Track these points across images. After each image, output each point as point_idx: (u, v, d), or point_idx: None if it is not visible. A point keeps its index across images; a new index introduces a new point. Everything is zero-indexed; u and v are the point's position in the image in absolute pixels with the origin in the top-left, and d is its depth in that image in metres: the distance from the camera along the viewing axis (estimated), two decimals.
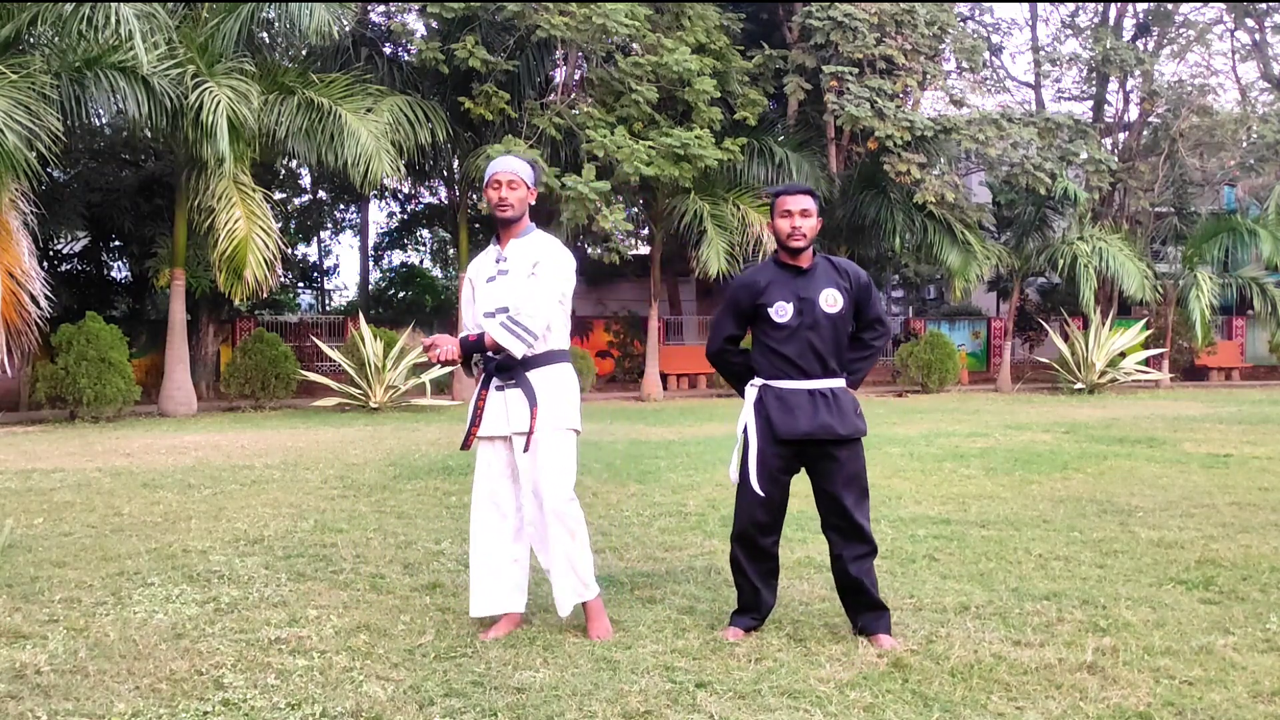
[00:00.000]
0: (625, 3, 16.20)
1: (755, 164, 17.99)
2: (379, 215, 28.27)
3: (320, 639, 3.86)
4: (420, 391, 16.12)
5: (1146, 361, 20.34)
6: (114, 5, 11.74)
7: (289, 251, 21.22)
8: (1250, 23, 24.59)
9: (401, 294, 28.35)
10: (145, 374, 16.64)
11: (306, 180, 23.63)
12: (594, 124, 16.14)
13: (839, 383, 3.93)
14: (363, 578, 4.80)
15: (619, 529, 5.90)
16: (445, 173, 19.69)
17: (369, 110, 14.60)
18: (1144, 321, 20.54)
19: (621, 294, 23.71)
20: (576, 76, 18.35)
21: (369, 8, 18.22)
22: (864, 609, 3.89)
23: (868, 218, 18.91)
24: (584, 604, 3.94)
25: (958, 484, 7.70)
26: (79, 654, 3.68)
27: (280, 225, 16.55)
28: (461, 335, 4.08)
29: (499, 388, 3.97)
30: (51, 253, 19.20)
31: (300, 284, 29.04)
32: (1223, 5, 24.08)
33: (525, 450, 3.91)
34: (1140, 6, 23.16)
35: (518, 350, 3.87)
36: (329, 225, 28.27)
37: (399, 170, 15.31)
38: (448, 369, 17.12)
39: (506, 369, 3.94)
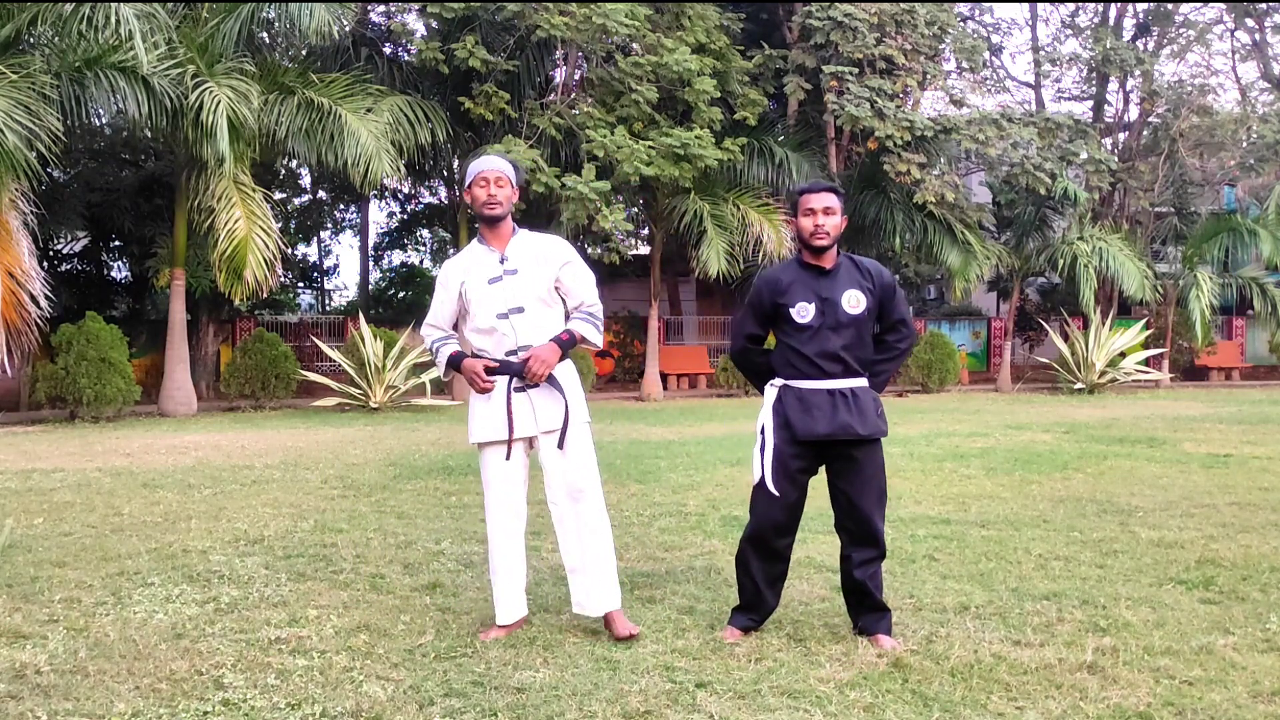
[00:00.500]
0: (625, 3, 16.21)
1: (755, 164, 17.99)
2: (379, 215, 28.31)
3: (320, 639, 3.86)
4: (420, 391, 16.12)
5: (1146, 361, 20.34)
6: (114, 5, 11.74)
7: (289, 251, 21.21)
8: (1250, 23, 24.60)
9: (401, 294, 28.36)
10: (145, 374, 16.64)
11: (306, 180, 23.64)
12: (594, 124, 16.15)
13: (861, 382, 3.86)
14: (363, 578, 4.80)
15: (619, 529, 5.88)
16: (445, 173, 19.70)
17: (369, 110, 14.60)
18: (1144, 321, 20.54)
19: (621, 294, 23.70)
20: (576, 76, 18.35)
21: (369, 8, 18.22)
22: (866, 610, 3.88)
23: (868, 218, 18.92)
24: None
25: (958, 484, 7.70)
26: (79, 654, 3.68)
27: (280, 225, 16.55)
28: (461, 354, 4.04)
29: (519, 389, 3.93)
30: (51, 253, 19.20)
31: (300, 284, 29.05)
32: (1223, 5, 24.09)
33: (560, 446, 3.90)
34: (1140, 6, 23.18)
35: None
36: (329, 225, 28.28)
37: (399, 170, 15.32)
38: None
39: (517, 367, 3.91)
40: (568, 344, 3.97)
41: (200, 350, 18.31)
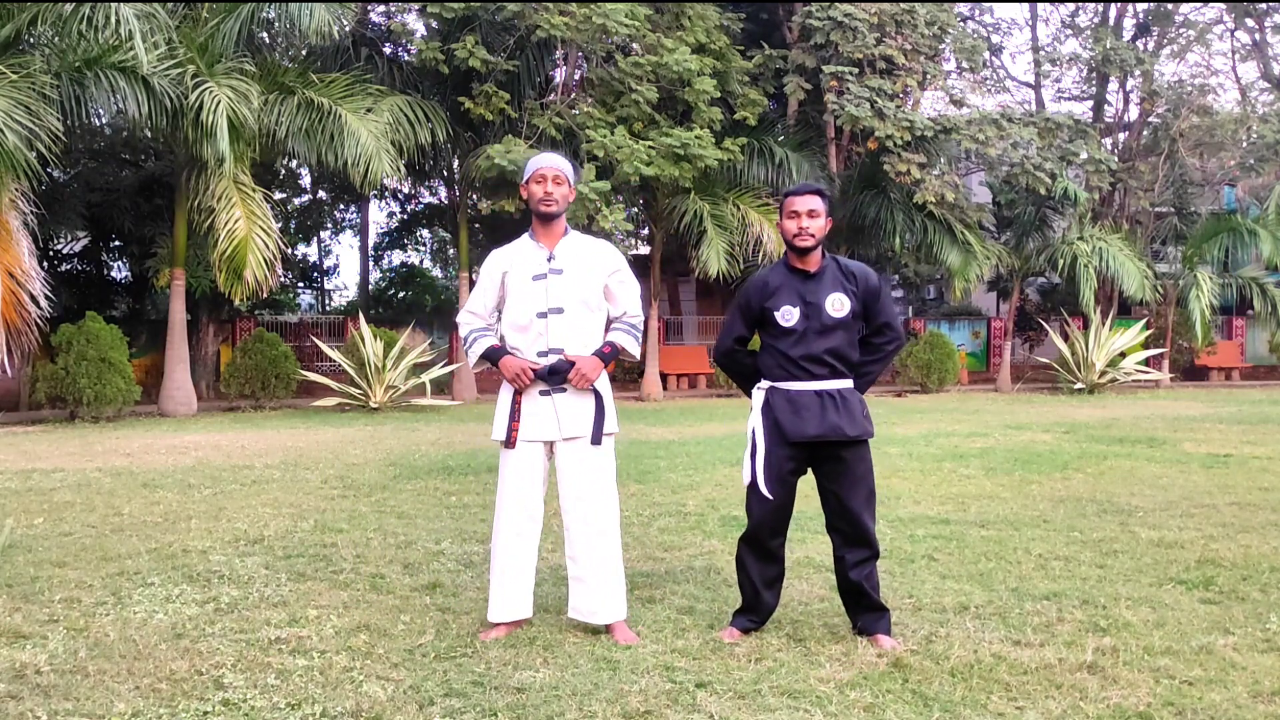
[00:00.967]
0: (625, 3, 16.21)
1: (755, 164, 17.99)
2: (379, 215, 28.33)
3: (320, 639, 3.85)
4: (420, 391, 16.12)
5: (1146, 361, 20.33)
6: (114, 5, 11.74)
7: (289, 251, 21.23)
8: (1250, 23, 24.60)
9: (401, 294, 28.37)
10: (145, 374, 16.64)
11: (306, 180, 23.64)
12: (594, 124, 16.15)
13: (847, 383, 3.88)
14: (363, 578, 4.80)
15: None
16: (445, 173, 19.69)
17: (369, 110, 14.60)
18: (1144, 321, 20.54)
19: None
20: (576, 76, 18.35)
21: (369, 8, 18.22)
22: (864, 610, 3.88)
23: (868, 218, 18.92)
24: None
25: (957, 484, 7.70)
26: (79, 654, 3.68)
27: (280, 225, 16.55)
28: (500, 349, 4.02)
29: (544, 392, 3.92)
30: (51, 253, 19.20)
31: (300, 284, 29.06)
32: (1223, 5, 24.08)
33: (594, 442, 3.90)
34: (1140, 6, 23.18)
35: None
36: (329, 225, 28.29)
37: (399, 170, 15.32)
38: (448, 369, 17.13)
39: (558, 372, 3.89)
40: (609, 356, 3.99)
41: (200, 350, 18.31)
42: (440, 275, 30.05)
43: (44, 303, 12.06)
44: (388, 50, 18.09)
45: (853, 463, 3.85)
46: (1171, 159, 21.57)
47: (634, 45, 17.25)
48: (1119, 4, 23.38)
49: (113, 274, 21.96)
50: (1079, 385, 19.32)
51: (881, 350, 3.97)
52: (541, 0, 16.01)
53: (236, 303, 17.16)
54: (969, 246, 18.74)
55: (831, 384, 3.85)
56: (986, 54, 22.13)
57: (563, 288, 3.92)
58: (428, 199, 25.41)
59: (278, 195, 20.02)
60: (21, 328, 11.84)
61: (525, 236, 4.07)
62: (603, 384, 4.00)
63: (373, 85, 15.25)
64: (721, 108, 17.32)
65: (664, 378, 19.45)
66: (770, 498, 3.84)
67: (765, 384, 3.93)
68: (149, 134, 15.33)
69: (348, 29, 16.34)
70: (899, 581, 4.68)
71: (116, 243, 20.57)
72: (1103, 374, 19.42)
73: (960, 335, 24.44)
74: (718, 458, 9.27)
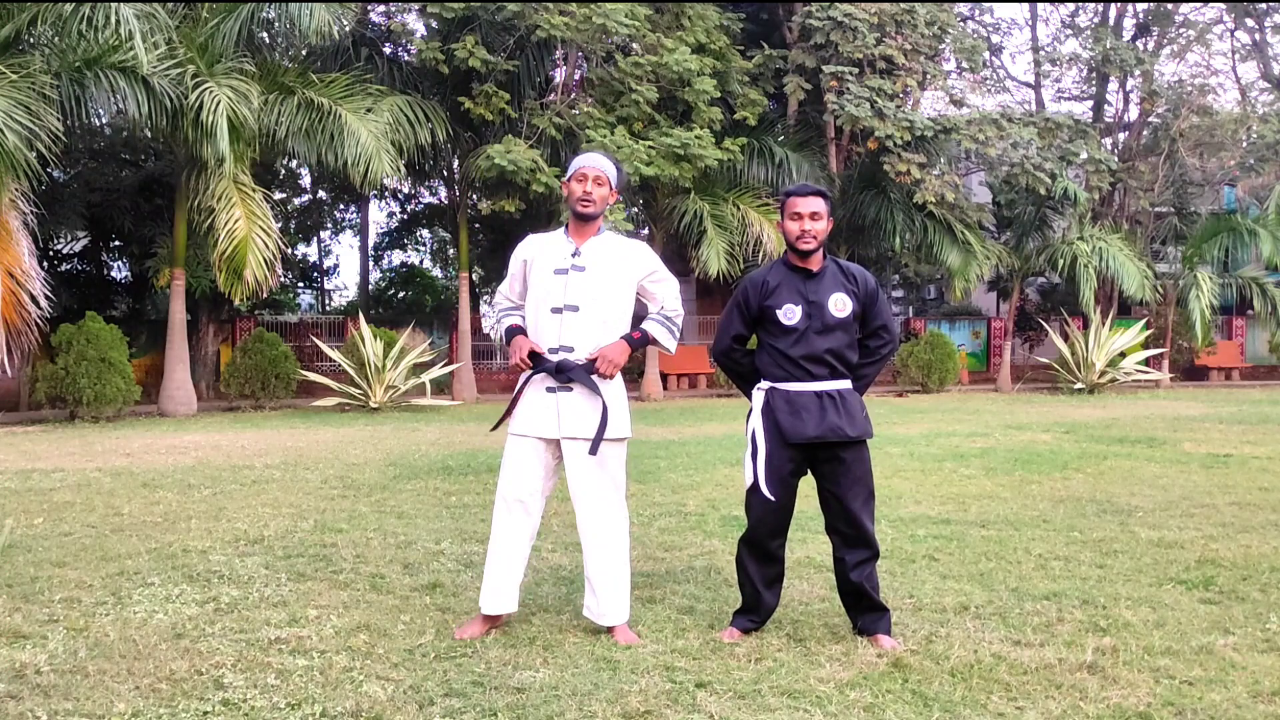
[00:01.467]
0: (625, 3, 16.21)
1: (755, 164, 18.00)
2: (379, 215, 28.33)
3: (320, 639, 3.85)
4: (420, 391, 16.12)
5: (1146, 361, 20.34)
6: (114, 5, 11.74)
7: (289, 251, 21.22)
8: (1250, 23, 24.61)
9: (401, 294, 28.36)
10: (145, 374, 16.65)
11: (306, 180, 23.65)
12: (594, 124, 16.15)
13: (846, 384, 3.88)
14: (363, 578, 4.80)
15: None
16: (445, 173, 19.69)
17: (369, 110, 14.60)
18: (1144, 321, 20.55)
19: None
20: (576, 76, 18.35)
21: (369, 8, 18.22)
22: (864, 610, 3.88)
23: (868, 218, 18.92)
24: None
25: (958, 484, 7.70)
26: (79, 654, 3.67)
27: (280, 225, 16.57)
28: (519, 328, 4.01)
29: (551, 389, 3.88)
30: (51, 253, 19.21)
31: (300, 284, 29.06)
32: (1223, 5, 24.09)
33: (591, 452, 3.82)
34: (1140, 6, 23.18)
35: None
36: (329, 225, 28.29)
37: (399, 170, 15.32)
38: (448, 369, 17.13)
39: (564, 370, 3.85)
40: (639, 343, 3.95)
41: (200, 350, 18.31)
42: (440, 275, 30.05)
43: (44, 303, 12.06)
44: (388, 50, 18.09)
45: (852, 463, 3.84)
46: (1171, 159, 21.58)
47: (634, 45, 17.25)
48: (1119, 4, 23.38)
49: (113, 274, 21.97)
50: (1079, 385, 19.32)
51: (877, 354, 3.97)
52: (541, 0, 16.01)
53: (236, 303, 17.16)
54: (969, 246, 18.75)
55: (831, 384, 3.85)
56: (986, 54, 22.15)
57: (582, 285, 3.88)
58: (428, 199, 25.44)
59: (278, 195, 20.03)
60: (21, 328, 11.84)
61: (561, 229, 4.07)
62: (616, 388, 3.93)
63: (373, 85, 15.26)
64: (721, 108, 17.33)
65: (664, 378, 19.46)
66: (772, 499, 3.83)
67: (765, 385, 3.92)
68: (149, 134, 15.34)
69: (348, 29, 16.35)
70: (899, 581, 4.68)
71: (116, 243, 20.58)
72: (1103, 374, 19.43)
73: (960, 335, 24.44)
74: (718, 458, 9.27)
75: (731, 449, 9.90)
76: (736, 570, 4.03)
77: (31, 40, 12.85)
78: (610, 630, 3.89)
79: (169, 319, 15.17)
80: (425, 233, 28.96)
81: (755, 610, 3.96)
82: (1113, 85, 22.80)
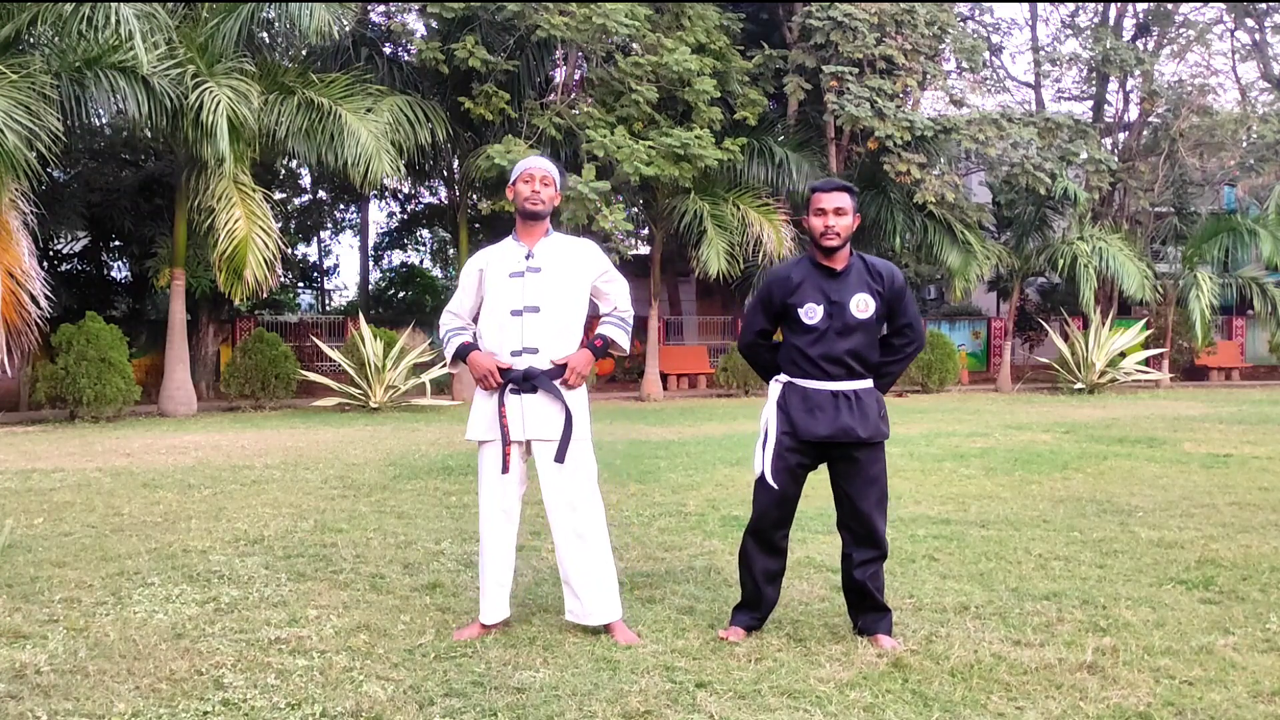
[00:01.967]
0: (625, 3, 16.20)
1: (755, 164, 17.99)
2: (379, 215, 28.32)
3: (320, 639, 3.85)
4: (420, 391, 16.12)
5: (1146, 361, 20.33)
6: (114, 5, 11.74)
7: (289, 251, 21.21)
8: (1250, 23, 24.60)
9: (401, 294, 28.35)
10: (145, 374, 16.64)
11: (306, 180, 23.64)
12: (594, 124, 16.14)
13: (865, 384, 3.84)
14: (363, 578, 4.80)
15: (619, 529, 5.89)
16: (445, 173, 19.69)
17: (369, 110, 14.60)
18: (1144, 321, 20.53)
19: None
20: (576, 76, 18.35)
21: (369, 8, 18.22)
22: (866, 610, 3.88)
23: (868, 218, 18.92)
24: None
25: (958, 484, 7.70)
26: (79, 654, 3.67)
27: (280, 225, 16.55)
28: (471, 345, 4.04)
29: (514, 391, 3.90)
30: (51, 253, 19.21)
31: (300, 284, 29.05)
32: (1223, 5, 24.08)
33: (558, 459, 3.86)
34: (1140, 6, 23.17)
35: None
36: (329, 225, 28.27)
37: (399, 170, 15.31)
38: (447, 369, 17.12)
39: (531, 378, 3.87)
40: (600, 350, 4.00)
41: (200, 350, 18.31)
42: (440, 275, 30.03)
43: (44, 303, 12.04)
44: (388, 50, 18.09)
45: (866, 463, 3.82)
46: (1171, 159, 21.57)
47: (634, 45, 17.24)
48: (1119, 4, 23.38)
49: (113, 274, 21.96)
50: (1079, 385, 19.32)
51: (902, 351, 3.93)
52: (541, 0, 16.01)
53: (236, 303, 17.15)
54: (969, 246, 18.75)
55: (849, 384, 3.81)
56: (986, 54, 22.14)
57: (540, 286, 3.92)
58: (428, 199, 25.43)
59: (278, 195, 20.01)
60: (21, 328, 11.84)
61: (509, 237, 4.10)
62: (579, 396, 3.97)
63: (373, 85, 15.25)
64: (721, 108, 17.32)
65: (664, 378, 19.45)
66: (775, 487, 3.82)
67: (783, 378, 3.90)
68: (149, 134, 15.33)
69: (348, 29, 16.34)
70: (900, 581, 4.68)
71: (116, 243, 20.57)
72: (1103, 374, 19.42)
73: (960, 335, 24.45)
74: (718, 458, 9.26)
75: (731, 449, 9.90)
76: (739, 563, 4.02)
77: (31, 40, 12.85)
78: (609, 630, 3.89)
79: (169, 319, 15.17)
80: (425, 233, 28.96)
81: (755, 606, 3.95)
82: (1113, 85, 22.80)
